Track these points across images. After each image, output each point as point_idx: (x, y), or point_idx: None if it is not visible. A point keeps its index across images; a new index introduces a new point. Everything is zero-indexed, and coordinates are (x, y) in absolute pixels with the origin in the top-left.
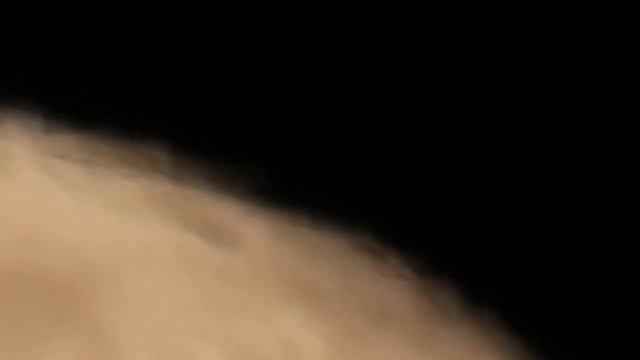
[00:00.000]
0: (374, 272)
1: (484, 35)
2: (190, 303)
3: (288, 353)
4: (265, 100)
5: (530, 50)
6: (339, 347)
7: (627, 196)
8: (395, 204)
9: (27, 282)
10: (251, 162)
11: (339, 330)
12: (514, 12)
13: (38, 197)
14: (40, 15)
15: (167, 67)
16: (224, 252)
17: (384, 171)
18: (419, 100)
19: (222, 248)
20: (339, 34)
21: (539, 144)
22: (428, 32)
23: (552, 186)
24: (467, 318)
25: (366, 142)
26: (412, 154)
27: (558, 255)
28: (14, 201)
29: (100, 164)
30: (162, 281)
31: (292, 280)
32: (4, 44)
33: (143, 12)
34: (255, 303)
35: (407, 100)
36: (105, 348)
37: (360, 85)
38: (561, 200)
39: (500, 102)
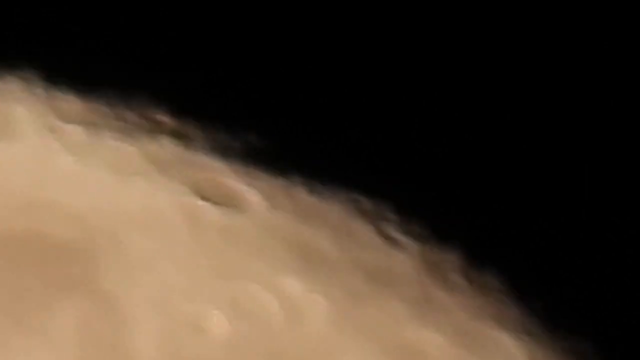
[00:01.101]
0: (374, 237)
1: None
2: (194, 266)
3: (290, 315)
4: (269, 75)
5: (531, 45)
6: (341, 310)
7: (629, 191)
8: (396, 171)
9: (28, 248)
10: (251, 127)
11: (340, 293)
12: (514, 10)
13: (40, 160)
14: (40, 15)
15: (167, 67)
16: (227, 215)
17: (384, 140)
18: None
19: (225, 211)
20: (343, 15)
21: (543, 133)
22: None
23: (554, 178)
24: (468, 285)
25: (368, 112)
26: (414, 127)
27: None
28: (15, 165)
29: (103, 126)
30: (166, 244)
31: (293, 244)
32: (4, 44)
33: (143, 12)
34: (258, 266)
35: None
36: (108, 312)
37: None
38: (562, 195)
39: (505, 81)
